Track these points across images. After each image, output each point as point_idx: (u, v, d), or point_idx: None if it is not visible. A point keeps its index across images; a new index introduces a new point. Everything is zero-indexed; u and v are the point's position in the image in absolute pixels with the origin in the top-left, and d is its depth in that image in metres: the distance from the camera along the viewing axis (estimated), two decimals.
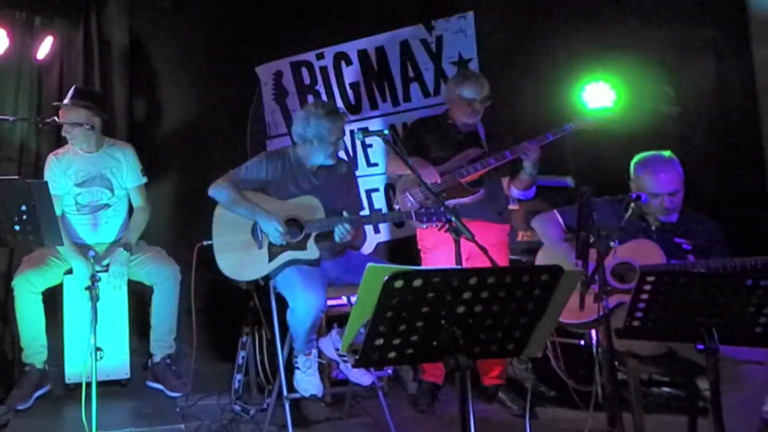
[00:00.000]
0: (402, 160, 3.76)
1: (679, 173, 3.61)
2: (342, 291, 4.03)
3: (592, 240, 3.18)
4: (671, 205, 3.60)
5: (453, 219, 3.25)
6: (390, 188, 5.35)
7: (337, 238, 3.78)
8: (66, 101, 4.45)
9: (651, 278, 2.52)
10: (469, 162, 4.20)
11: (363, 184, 5.19)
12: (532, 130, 4.16)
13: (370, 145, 5.38)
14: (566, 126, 4.08)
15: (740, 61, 5.29)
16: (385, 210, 5.37)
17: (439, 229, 3.40)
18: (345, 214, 3.97)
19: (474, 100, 4.26)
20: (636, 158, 3.73)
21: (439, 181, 4.08)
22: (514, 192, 4.43)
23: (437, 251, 4.28)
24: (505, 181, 4.40)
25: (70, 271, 4.28)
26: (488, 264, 3.22)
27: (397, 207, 4.45)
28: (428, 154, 4.32)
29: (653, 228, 3.67)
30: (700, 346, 2.54)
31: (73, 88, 4.57)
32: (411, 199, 4.13)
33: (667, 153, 3.68)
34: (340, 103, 5.35)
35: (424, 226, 3.69)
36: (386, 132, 3.77)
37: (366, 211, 4.95)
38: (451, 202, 3.91)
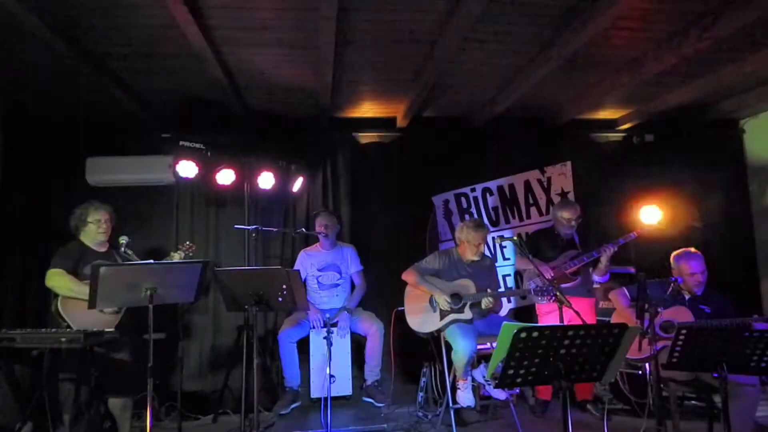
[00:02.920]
0: (525, 256, 4.68)
1: (702, 259, 4.57)
2: (487, 339, 4.79)
3: (646, 307, 3.95)
4: (703, 279, 4.51)
5: (558, 294, 4.14)
6: (518, 275, 6.17)
7: (483, 306, 4.70)
8: (323, 210, 5.75)
9: (684, 331, 3.30)
10: (570, 259, 5.10)
11: (500, 271, 6.13)
12: (610, 236, 5.12)
13: (505, 246, 6.40)
14: (631, 234, 5.01)
15: (740, 192, 6.47)
16: (514, 288, 6.23)
17: (549, 300, 4.38)
18: (489, 290, 4.87)
19: (570, 219, 5.22)
20: (674, 253, 4.69)
21: (552, 275, 4.92)
22: (595, 277, 5.25)
23: (548, 316, 5.15)
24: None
25: (314, 327, 5.33)
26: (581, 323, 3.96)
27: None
28: (543, 254, 5.21)
29: (686, 299, 4.55)
30: (716, 375, 3.28)
31: (323, 208, 5.87)
32: (533, 284, 4.74)
33: (693, 248, 4.67)
34: (485, 220, 6.36)
35: (539, 299, 4.63)
36: (515, 238, 4.59)
37: (502, 289, 5.75)
38: (532, 286, 4.61)
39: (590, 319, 4.79)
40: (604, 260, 5.03)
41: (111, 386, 4.57)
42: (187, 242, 5.28)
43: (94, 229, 4.66)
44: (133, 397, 4.61)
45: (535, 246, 5.38)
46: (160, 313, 4.10)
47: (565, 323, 4.33)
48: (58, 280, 4.41)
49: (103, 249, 4.73)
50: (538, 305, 5.37)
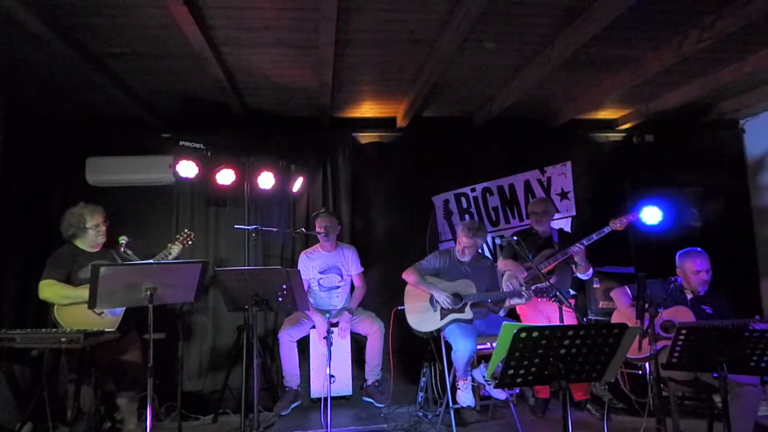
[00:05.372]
0: (525, 256, 4.64)
1: (708, 259, 4.60)
2: (487, 339, 4.87)
3: (647, 307, 4.01)
4: (708, 278, 4.54)
5: (557, 293, 4.28)
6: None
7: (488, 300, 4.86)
8: (323, 212, 5.66)
9: (684, 331, 3.34)
10: (546, 258, 5.16)
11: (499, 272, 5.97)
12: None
13: (505, 246, 6.07)
14: (604, 228, 4.99)
15: (741, 192, 6.51)
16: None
17: (548, 299, 4.45)
18: (488, 291, 4.97)
19: (535, 212, 5.40)
20: (680, 252, 4.72)
21: (527, 275, 5.03)
22: (578, 275, 5.26)
23: (529, 315, 5.29)
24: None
25: (314, 327, 5.31)
26: (575, 322, 4.33)
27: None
28: (519, 254, 5.03)
29: (688, 298, 4.60)
30: (715, 375, 3.32)
31: (323, 209, 5.80)
32: (510, 286, 5.09)
33: (699, 248, 4.70)
34: (485, 220, 6.47)
35: (517, 300, 4.76)
36: (515, 238, 4.64)
37: (502, 289, 5.52)
38: (536, 287, 4.64)
39: (568, 321, 4.64)
40: (577, 258, 5.05)
41: (118, 385, 4.64)
42: (185, 230, 5.27)
43: (93, 234, 4.73)
44: (138, 390, 4.65)
45: (514, 248, 5.27)
46: (160, 313, 4.10)
47: (546, 323, 4.60)
48: (49, 290, 4.48)
49: (96, 249, 4.79)
50: (518, 307, 5.43)
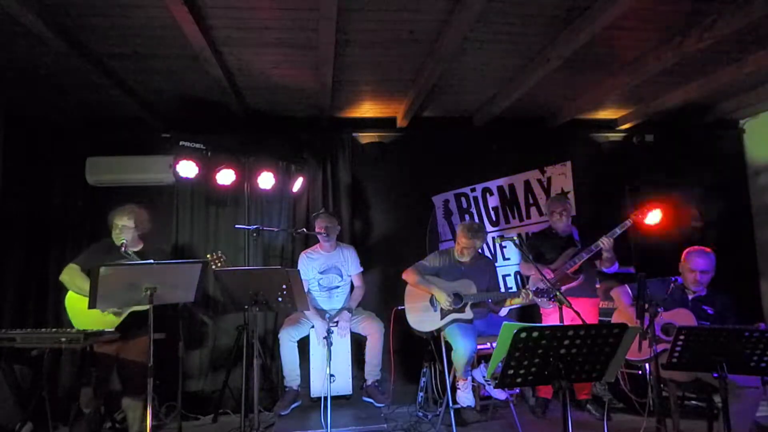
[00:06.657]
0: (525, 256, 4.74)
1: (711, 261, 4.53)
2: (487, 339, 4.89)
3: (647, 307, 3.98)
4: (702, 280, 4.51)
5: (557, 294, 4.18)
6: (518, 275, 6.31)
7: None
8: (323, 212, 5.68)
9: (684, 333, 3.39)
10: (570, 258, 5.12)
11: (500, 271, 6.21)
12: (609, 230, 5.02)
13: (505, 246, 6.50)
14: (627, 221, 4.95)
15: (741, 192, 6.56)
16: (514, 288, 6.34)
17: (549, 300, 4.40)
18: (489, 291, 4.99)
19: (554, 212, 5.36)
20: (688, 249, 4.67)
21: (553, 276, 5.00)
22: (603, 269, 5.22)
23: (551, 317, 5.15)
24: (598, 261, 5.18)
25: (314, 326, 5.29)
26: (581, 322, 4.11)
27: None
28: (544, 257, 5.28)
29: (689, 298, 4.57)
30: (716, 375, 3.34)
31: (323, 210, 5.82)
32: (534, 287, 4.84)
33: (707, 249, 4.63)
34: (485, 220, 6.50)
35: (547, 305, 4.70)
36: (515, 238, 4.58)
37: (502, 289, 5.92)
38: (564, 287, 4.72)
39: (593, 320, 4.73)
40: (605, 252, 5.01)
41: (123, 386, 4.65)
42: (219, 252, 5.29)
43: (115, 234, 4.76)
44: (142, 397, 4.60)
45: (535, 248, 5.44)
46: (161, 313, 4.08)
47: (567, 323, 4.26)
48: (67, 274, 4.58)
49: (133, 249, 4.81)
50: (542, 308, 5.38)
